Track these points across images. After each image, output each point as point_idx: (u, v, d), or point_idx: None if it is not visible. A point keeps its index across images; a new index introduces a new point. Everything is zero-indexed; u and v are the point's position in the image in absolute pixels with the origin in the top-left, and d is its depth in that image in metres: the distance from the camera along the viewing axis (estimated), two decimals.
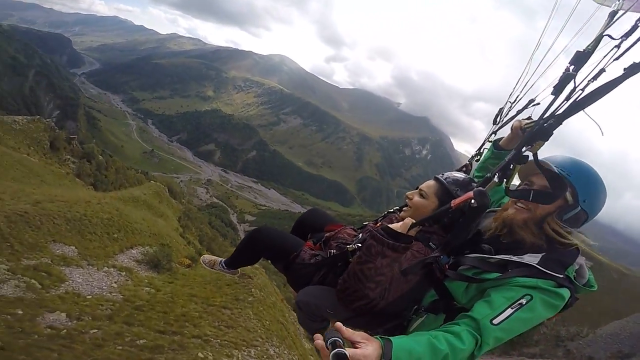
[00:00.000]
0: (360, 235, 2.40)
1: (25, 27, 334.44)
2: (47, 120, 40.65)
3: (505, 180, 1.91)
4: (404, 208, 2.41)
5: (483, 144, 3.03)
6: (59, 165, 36.77)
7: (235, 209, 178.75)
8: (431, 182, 2.36)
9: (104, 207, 17.28)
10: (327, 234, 2.66)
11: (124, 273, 12.43)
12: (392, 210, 2.77)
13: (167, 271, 14.86)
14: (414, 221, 1.79)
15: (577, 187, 1.78)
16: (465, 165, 2.93)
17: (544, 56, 2.49)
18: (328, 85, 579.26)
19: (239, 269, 3.35)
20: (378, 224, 2.39)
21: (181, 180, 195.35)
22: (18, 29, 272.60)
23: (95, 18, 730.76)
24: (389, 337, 1.42)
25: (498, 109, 3.03)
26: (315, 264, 2.38)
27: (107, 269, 12.06)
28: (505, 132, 2.66)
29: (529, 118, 2.41)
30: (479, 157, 2.93)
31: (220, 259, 3.42)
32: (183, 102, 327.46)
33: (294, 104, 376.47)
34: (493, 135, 2.91)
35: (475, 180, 2.40)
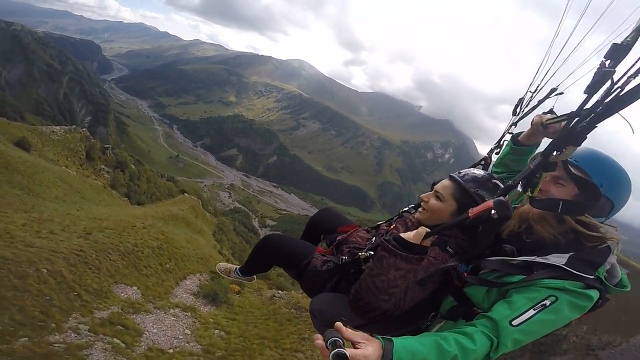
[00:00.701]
0: (374, 239, 2.28)
1: (58, 34, 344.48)
2: (83, 130, 41.64)
3: (530, 189, 1.73)
4: (419, 209, 2.21)
5: (502, 136, 2.79)
6: (95, 177, 37.52)
7: (257, 214, 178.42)
8: (447, 182, 2.15)
9: (150, 232, 17.45)
10: (339, 237, 2.51)
11: (189, 313, 12.51)
12: (406, 209, 2.57)
13: (225, 304, 15.04)
14: (429, 230, 1.65)
15: (589, 172, 1.67)
16: (485, 159, 2.72)
17: (566, 42, 2.27)
18: (347, 89, 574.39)
19: (254, 275, 3.26)
20: (392, 227, 2.30)
21: (205, 185, 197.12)
22: (52, 35, 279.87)
23: (122, 25, 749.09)
24: (391, 337, 1.38)
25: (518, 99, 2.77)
26: (328, 271, 2.25)
27: (172, 310, 12.19)
28: (525, 124, 2.40)
29: (551, 111, 2.18)
30: (498, 150, 2.71)
31: (235, 266, 3.34)
32: (207, 108, 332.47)
33: (313, 109, 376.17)
34: (513, 127, 2.70)
35: (495, 176, 2.19)
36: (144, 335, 9.80)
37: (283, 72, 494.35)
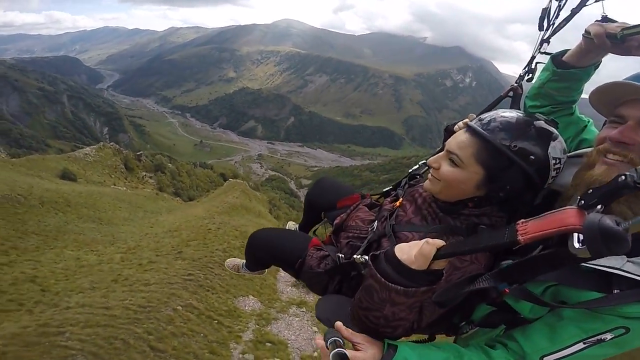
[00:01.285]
0: (375, 225, 1.66)
1: (29, 57, 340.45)
2: (111, 144, 41.23)
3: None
4: (429, 176, 1.46)
5: (533, 59, 1.99)
6: (142, 186, 37.72)
7: (291, 176, 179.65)
8: (464, 136, 1.34)
9: (227, 232, 16.90)
10: (337, 220, 2.01)
11: (304, 308, 11.92)
12: (416, 167, 2.03)
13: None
14: (443, 243, 0.99)
15: None
16: (513, 90, 1.93)
17: None
18: (343, 36, 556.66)
19: (265, 269, 2.78)
20: (397, 204, 1.65)
21: (235, 162, 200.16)
22: (23, 60, 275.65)
23: (87, 33, 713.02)
24: (397, 343, 1.14)
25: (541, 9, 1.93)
26: (326, 272, 1.79)
27: (291, 310, 11.56)
28: (558, 43, 1.80)
29: (606, 19, 1.44)
30: (530, 76, 1.96)
31: (242, 261, 2.94)
32: (210, 89, 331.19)
33: (315, 63, 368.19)
34: (545, 45, 1.90)
35: (538, 115, 1.35)
36: (289, 345, 9.28)
37: (273, 36, 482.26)
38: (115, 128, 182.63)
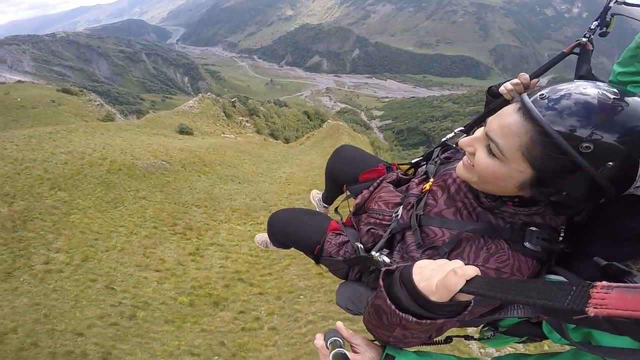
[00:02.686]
0: (399, 211, 1.34)
1: (99, 26, 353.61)
2: (208, 94, 40.06)
3: None
4: (463, 160, 1.06)
5: (606, 9, 1.51)
6: (243, 130, 36.92)
7: (361, 108, 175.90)
8: (512, 118, 0.86)
9: None
10: (358, 200, 1.71)
11: None
12: (451, 136, 1.61)
13: None
14: (474, 274, 0.70)
15: None
16: (580, 45, 1.43)
17: None
18: None
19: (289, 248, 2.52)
20: (427, 187, 1.31)
21: (305, 96, 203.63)
22: (96, 29, 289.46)
23: None
24: (395, 353, 0.98)
25: None
26: (345, 261, 1.58)
27: None
28: None
29: None
30: (604, 30, 1.49)
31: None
32: (272, 30, 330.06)
33: None
34: None
35: (620, 90, 0.79)
36: None
37: None
38: (194, 77, 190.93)
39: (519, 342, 1.22)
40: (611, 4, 1.46)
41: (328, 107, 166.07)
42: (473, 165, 0.99)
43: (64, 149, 13.27)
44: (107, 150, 13.96)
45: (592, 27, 1.47)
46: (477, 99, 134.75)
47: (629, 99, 0.75)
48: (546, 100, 0.81)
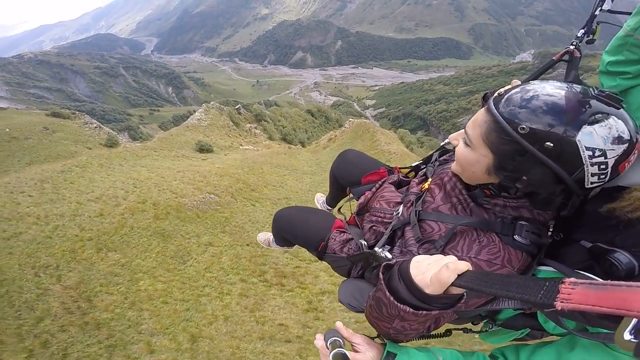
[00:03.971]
0: (400, 210, 1.41)
1: (66, 43, 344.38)
2: (212, 103, 37.41)
3: None
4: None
5: (592, 17, 1.51)
6: (254, 138, 34.69)
7: (352, 99, 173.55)
8: (479, 114, 1.06)
9: None
10: (361, 200, 1.77)
11: None
12: (449, 142, 1.57)
13: None
14: (465, 269, 0.78)
15: None
16: (569, 52, 1.47)
17: None
18: None
19: (292, 246, 2.58)
20: (426, 186, 1.38)
21: (294, 94, 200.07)
22: (64, 47, 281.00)
23: (104, 9, 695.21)
24: (396, 351, 1.01)
25: None
26: (348, 258, 1.63)
27: None
28: None
29: None
30: (590, 37, 1.52)
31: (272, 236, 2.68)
32: (249, 30, 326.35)
33: None
34: (610, 1, 1.49)
35: (594, 89, 0.90)
36: None
37: None
38: (177, 86, 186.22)
39: (519, 338, 1.26)
40: (597, 12, 1.48)
41: (319, 102, 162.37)
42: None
43: (90, 194, 11.01)
44: (140, 189, 11.68)
45: (579, 35, 1.51)
46: (467, 79, 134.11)
47: (566, 93, 0.87)
48: (503, 97, 0.96)
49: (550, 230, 1.07)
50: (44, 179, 11.84)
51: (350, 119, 35.21)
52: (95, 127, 35.64)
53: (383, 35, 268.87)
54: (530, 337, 1.30)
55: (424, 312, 0.85)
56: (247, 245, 9.69)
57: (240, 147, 27.43)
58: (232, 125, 33.91)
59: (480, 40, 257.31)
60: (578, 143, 0.83)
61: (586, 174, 0.87)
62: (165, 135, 24.29)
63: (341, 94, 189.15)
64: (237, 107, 41.15)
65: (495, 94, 1.02)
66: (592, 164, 0.85)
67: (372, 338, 1.08)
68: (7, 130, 29.89)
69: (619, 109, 0.85)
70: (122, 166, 14.95)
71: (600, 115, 0.83)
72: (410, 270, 0.86)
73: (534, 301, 0.59)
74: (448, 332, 1.26)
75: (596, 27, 1.50)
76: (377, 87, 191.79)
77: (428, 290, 0.82)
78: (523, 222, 1.04)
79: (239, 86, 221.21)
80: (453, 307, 0.86)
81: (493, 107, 0.95)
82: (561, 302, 0.54)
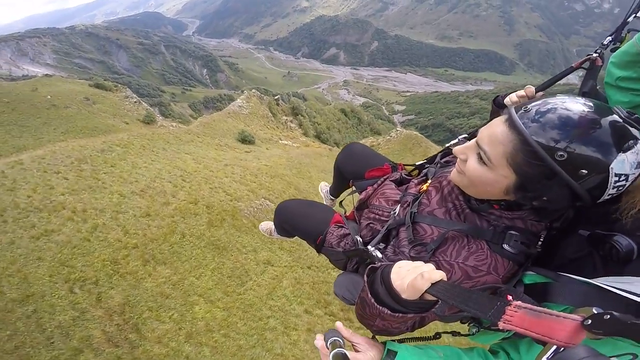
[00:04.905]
0: (397, 209, 1.43)
1: (117, 18, 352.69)
2: (253, 91, 36.46)
3: None
4: (456, 165, 1.15)
5: (625, 23, 1.42)
6: (291, 132, 33.66)
7: (381, 102, 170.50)
8: (499, 129, 0.95)
9: None
10: (362, 196, 1.78)
11: None
12: (455, 142, 1.59)
13: None
14: (439, 278, 0.82)
15: None
16: (590, 59, 1.41)
17: None
18: None
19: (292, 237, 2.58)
20: (424, 188, 1.38)
21: (322, 89, 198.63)
22: (113, 21, 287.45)
23: None
24: (397, 349, 1.02)
25: None
26: (344, 252, 1.68)
27: None
28: None
29: None
30: (618, 45, 1.41)
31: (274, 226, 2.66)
32: (287, 22, 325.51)
33: None
34: None
35: (623, 111, 0.87)
36: None
37: None
38: (212, 69, 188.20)
39: (505, 339, 1.26)
40: (630, 19, 1.40)
41: (347, 100, 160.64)
42: (463, 173, 1.08)
43: (134, 184, 9.63)
44: (190, 183, 10.34)
45: (605, 42, 1.44)
46: (506, 94, 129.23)
47: (604, 119, 0.84)
48: (531, 113, 0.89)
49: (541, 240, 1.08)
50: (82, 158, 10.58)
51: (398, 129, 33.38)
52: (135, 101, 34.77)
53: (423, 41, 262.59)
54: (517, 337, 1.26)
55: (401, 314, 0.90)
56: (308, 268, 8.26)
57: (280, 141, 26.34)
58: (270, 115, 32.89)
59: (526, 57, 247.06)
60: (611, 170, 0.83)
61: (605, 194, 0.88)
62: (208, 120, 23.04)
63: (370, 95, 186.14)
64: (276, 97, 40.00)
65: (520, 108, 0.93)
66: (614, 187, 0.86)
67: (372, 337, 1.10)
68: (49, 97, 29.29)
69: None
70: (165, 151, 13.76)
71: (632, 141, 0.83)
72: (391, 275, 0.90)
73: (484, 317, 0.67)
74: (438, 335, 1.28)
75: (626, 35, 1.42)
76: (408, 93, 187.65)
77: (404, 296, 0.86)
78: (513, 232, 1.05)
79: (270, 75, 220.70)
80: (427, 311, 0.90)
81: (524, 128, 0.88)
82: (504, 322, 0.63)
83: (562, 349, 0.61)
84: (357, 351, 1.05)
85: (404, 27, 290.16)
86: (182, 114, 69.07)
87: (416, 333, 1.18)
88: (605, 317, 0.58)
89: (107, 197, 8.71)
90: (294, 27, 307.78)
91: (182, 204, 9.10)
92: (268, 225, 2.83)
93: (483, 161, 0.99)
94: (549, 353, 0.60)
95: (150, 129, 29.24)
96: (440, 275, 0.82)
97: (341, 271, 1.78)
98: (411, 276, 0.85)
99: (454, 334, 1.36)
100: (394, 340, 1.08)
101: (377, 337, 1.11)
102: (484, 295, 0.72)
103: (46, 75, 47.80)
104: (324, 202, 2.75)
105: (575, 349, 0.58)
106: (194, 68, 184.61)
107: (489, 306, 0.67)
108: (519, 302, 0.64)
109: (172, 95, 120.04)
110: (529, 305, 0.62)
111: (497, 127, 0.96)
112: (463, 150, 1.09)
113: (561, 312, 0.60)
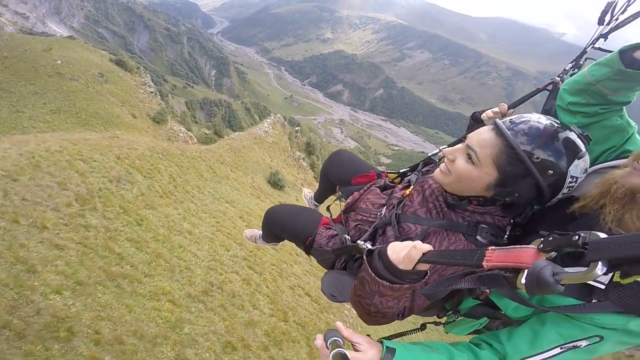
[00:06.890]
0: (383, 210, 1.54)
1: (159, 1, 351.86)
2: (278, 116, 34.19)
3: None
4: (441, 166, 1.33)
5: (584, 52, 1.63)
6: (303, 172, 31.45)
7: (369, 150, 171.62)
8: (487, 134, 1.19)
9: None
10: (349, 200, 1.86)
11: None
12: (436, 152, 1.87)
13: None
14: (429, 249, 0.99)
15: None
16: (553, 83, 1.63)
17: None
18: (457, 14, 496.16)
19: (279, 242, 2.69)
20: (407, 193, 1.51)
21: (318, 122, 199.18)
22: (154, 3, 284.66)
23: None
24: (395, 346, 1.10)
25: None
26: (333, 251, 1.72)
27: None
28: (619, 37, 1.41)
29: None
30: (576, 71, 1.59)
31: (259, 232, 2.75)
32: (307, 47, 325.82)
33: (419, 38, 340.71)
34: (602, 40, 1.54)
35: (571, 127, 1.17)
36: None
37: (376, 2, 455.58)
38: (221, 72, 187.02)
39: (480, 328, 1.40)
40: (588, 49, 1.58)
41: (338, 140, 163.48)
42: (449, 171, 1.26)
43: (184, 283, 6.24)
44: (263, 276, 7.77)
45: (567, 68, 1.68)
46: None
47: (567, 134, 1.11)
48: (513, 124, 1.14)
49: (507, 234, 1.25)
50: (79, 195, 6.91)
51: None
52: (152, 92, 31.67)
53: (425, 99, 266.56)
54: (485, 329, 1.45)
55: (398, 285, 1.04)
56: None
57: (302, 187, 23.40)
58: (289, 149, 30.97)
59: None
60: (568, 172, 1.09)
61: (559, 193, 1.14)
62: (237, 144, 20.20)
63: (361, 141, 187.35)
64: (296, 129, 38.59)
65: (506, 120, 1.17)
66: (567, 187, 1.12)
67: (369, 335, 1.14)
68: (59, 62, 25.92)
69: (588, 145, 1.14)
70: (202, 193, 11.35)
71: (583, 152, 1.10)
72: (388, 251, 1.06)
73: (471, 264, 0.84)
74: (423, 326, 1.48)
75: (583, 62, 1.60)
76: (397, 147, 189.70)
77: (401, 267, 1.02)
78: (484, 226, 1.23)
79: (273, 93, 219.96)
80: (420, 281, 1.04)
81: (510, 135, 1.11)
82: (486, 262, 0.80)
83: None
84: (357, 351, 1.07)
85: (412, 81, 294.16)
86: (176, 110, 65.90)
87: (407, 326, 1.31)
88: (549, 238, 0.75)
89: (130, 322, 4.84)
90: (311, 54, 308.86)
91: (272, 323, 6.18)
92: (253, 232, 2.83)
93: (472, 160, 1.19)
94: (524, 275, 0.73)
95: (159, 128, 25.96)
96: (428, 247, 0.99)
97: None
98: (405, 250, 1.01)
99: (436, 324, 1.55)
100: (390, 339, 1.16)
101: (375, 337, 1.14)
102: (466, 250, 1.01)
103: (69, 37, 42.71)
104: None
105: (537, 262, 0.71)
106: (204, 66, 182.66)
107: (472, 255, 0.85)
108: (493, 247, 0.83)
109: (172, 86, 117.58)
110: (500, 247, 0.82)
111: (485, 134, 1.19)
112: (452, 151, 1.27)
113: (523, 245, 0.78)
